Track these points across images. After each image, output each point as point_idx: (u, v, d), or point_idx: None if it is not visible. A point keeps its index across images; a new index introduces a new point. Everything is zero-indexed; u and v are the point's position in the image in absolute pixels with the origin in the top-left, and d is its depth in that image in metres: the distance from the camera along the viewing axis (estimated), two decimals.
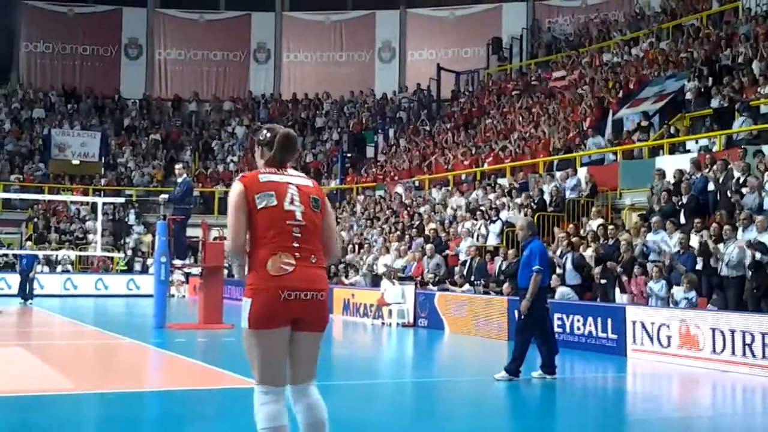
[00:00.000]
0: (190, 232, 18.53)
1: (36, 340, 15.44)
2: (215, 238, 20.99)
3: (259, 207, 4.65)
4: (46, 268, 28.28)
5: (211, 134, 38.63)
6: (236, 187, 4.73)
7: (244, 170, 34.13)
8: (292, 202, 4.71)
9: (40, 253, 26.73)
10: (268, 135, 4.87)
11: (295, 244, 4.64)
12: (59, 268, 29.09)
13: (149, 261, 26.81)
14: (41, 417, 7.69)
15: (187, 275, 26.79)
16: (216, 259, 17.21)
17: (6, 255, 28.83)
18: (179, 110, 39.99)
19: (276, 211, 4.66)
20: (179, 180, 17.63)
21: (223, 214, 32.40)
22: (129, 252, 29.91)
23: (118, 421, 7.61)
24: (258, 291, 4.60)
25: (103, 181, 33.85)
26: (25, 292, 23.67)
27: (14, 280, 24.90)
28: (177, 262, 17.71)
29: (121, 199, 27.53)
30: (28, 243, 28.53)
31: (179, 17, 41.41)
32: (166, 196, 17.48)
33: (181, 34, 41.32)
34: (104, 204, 25.08)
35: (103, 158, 35.50)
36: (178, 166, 18.78)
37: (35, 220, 31.07)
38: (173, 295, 26.36)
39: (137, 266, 29.71)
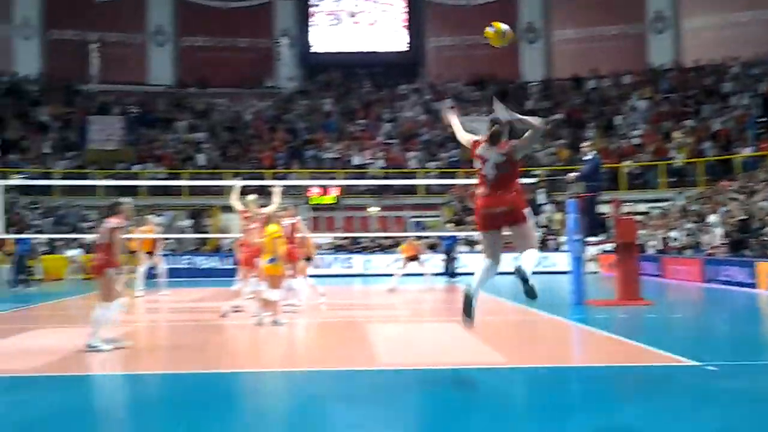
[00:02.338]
0: (601, 208, 18.54)
1: None
2: (626, 214, 20.80)
3: (474, 167, 8.49)
4: (466, 248, 30.24)
5: (612, 109, 38.40)
6: (472, 144, 8.64)
7: (647, 145, 33.64)
8: (485, 165, 8.31)
9: (461, 234, 28.66)
10: (489, 126, 8.39)
11: (488, 185, 8.33)
12: (478, 248, 30.84)
13: (561, 239, 27.38)
14: (480, 389, 8.40)
15: (602, 251, 26.90)
16: (629, 235, 17.16)
17: (428, 236, 31.30)
18: (579, 88, 40.27)
19: (479, 170, 8.42)
20: (586, 157, 17.56)
21: (633, 189, 32.15)
22: (542, 230, 30.79)
23: (556, 394, 8.08)
24: (474, 211, 8.61)
25: None
26: (449, 271, 25.59)
27: (438, 260, 26.95)
28: (591, 239, 17.85)
29: (531, 180, 28.35)
30: (448, 225, 30.65)
31: None
32: (575, 174, 17.60)
33: (576, 11, 41.62)
34: None
35: None
36: (585, 144, 18.84)
37: (452, 203, 33.34)
38: (593, 272, 26.57)
39: (550, 244, 30.57)
